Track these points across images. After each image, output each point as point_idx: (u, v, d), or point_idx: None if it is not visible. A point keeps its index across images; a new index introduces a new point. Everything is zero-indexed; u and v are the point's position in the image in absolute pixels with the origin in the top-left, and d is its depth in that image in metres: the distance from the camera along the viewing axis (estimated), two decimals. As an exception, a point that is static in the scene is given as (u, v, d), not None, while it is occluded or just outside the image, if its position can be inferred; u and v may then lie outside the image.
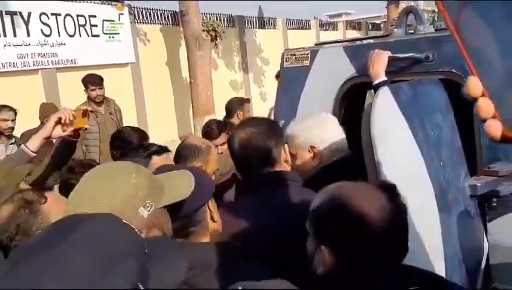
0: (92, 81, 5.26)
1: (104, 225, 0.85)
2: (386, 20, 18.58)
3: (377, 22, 23.84)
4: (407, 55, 2.17)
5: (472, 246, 1.91)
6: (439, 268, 1.61)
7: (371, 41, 2.40)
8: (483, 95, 0.54)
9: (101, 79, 5.34)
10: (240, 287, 1.00)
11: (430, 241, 1.58)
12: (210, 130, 3.26)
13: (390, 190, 1.17)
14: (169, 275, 0.86)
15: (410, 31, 2.38)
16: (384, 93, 1.50)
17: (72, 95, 7.55)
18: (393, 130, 1.50)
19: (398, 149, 1.52)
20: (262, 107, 11.56)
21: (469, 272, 1.85)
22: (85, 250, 0.78)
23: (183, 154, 2.33)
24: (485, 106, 0.53)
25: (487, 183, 1.94)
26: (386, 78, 2.11)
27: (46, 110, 4.98)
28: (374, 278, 1.12)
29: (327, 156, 1.92)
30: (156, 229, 1.15)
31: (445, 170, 1.76)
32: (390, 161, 1.48)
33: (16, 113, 4.73)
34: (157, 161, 2.02)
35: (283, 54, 2.80)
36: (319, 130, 1.94)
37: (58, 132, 2.21)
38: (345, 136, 1.99)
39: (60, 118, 2.18)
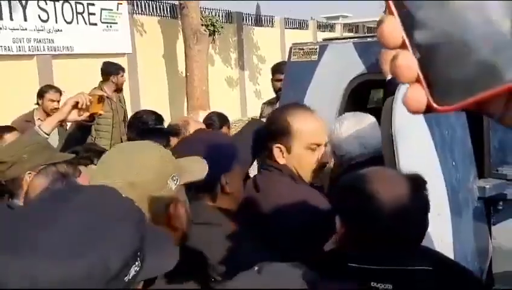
0: (121, 68, 5.47)
1: (101, 194, 0.83)
2: (383, 24, 18.61)
3: (374, 26, 23.92)
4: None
5: (478, 248, 1.90)
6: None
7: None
8: (403, 47, 0.39)
9: None
10: (256, 268, 1.00)
11: (442, 240, 1.57)
12: (211, 123, 3.23)
13: (412, 179, 1.17)
14: (162, 264, 0.85)
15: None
16: (406, 87, 1.48)
17: (67, 83, 7.46)
18: (412, 126, 1.48)
19: (416, 146, 1.51)
20: (257, 104, 11.53)
21: (474, 272, 1.84)
22: (79, 216, 0.75)
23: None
24: (406, 63, 0.38)
25: (495, 186, 1.94)
26: None
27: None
28: (377, 256, 1.12)
29: (345, 161, 1.93)
30: (180, 205, 1.15)
31: (457, 171, 1.75)
32: (409, 157, 1.46)
33: (61, 94, 4.74)
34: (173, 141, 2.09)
35: (291, 48, 2.78)
36: (339, 136, 1.95)
37: (74, 116, 2.20)
38: (372, 139, 1.96)
39: (77, 103, 2.17)
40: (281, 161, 1.60)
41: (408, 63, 0.38)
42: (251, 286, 0.90)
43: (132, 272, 0.75)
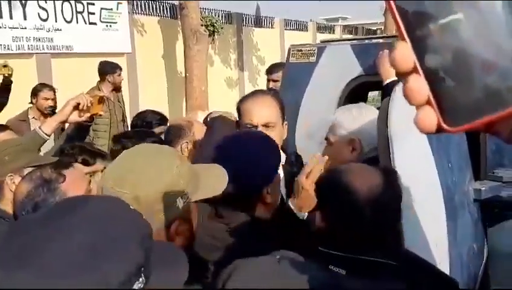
0: (118, 67, 5.44)
1: (109, 207, 0.82)
2: (382, 27, 18.65)
3: (373, 28, 23.95)
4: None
5: (474, 249, 1.91)
6: (444, 268, 1.60)
7: (380, 40, 2.40)
8: (415, 71, 0.41)
9: None
10: (277, 256, 1.03)
11: (437, 241, 1.58)
12: None
13: (388, 174, 1.22)
14: (170, 280, 0.83)
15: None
16: (402, 90, 1.48)
17: (66, 82, 7.47)
18: (409, 128, 1.48)
19: (412, 148, 1.51)
20: (256, 105, 11.49)
21: (469, 274, 1.85)
22: (85, 229, 0.75)
23: (169, 138, 2.34)
24: (417, 88, 0.40)
25: (491, 188, 1.95)
26: (396, 78, 2.09)
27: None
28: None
29: (366, 152, 1.88)
30: (185, 223, 1.12)
31: (453, 173, 1.75)
32: (405, 158, 1.47)
33: (55, 92, 4.75)
34: None
35: (289, 49, 2.79)
36: (363, 124, 1.83)
37: (75, 116, 2.21)
38: None
39: (78, 104, 2.17)
40: None
41: (419, 87, 0.40)
42: (270, 272, 0.94)
43: (135, 288, 0.74)
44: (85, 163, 1.98)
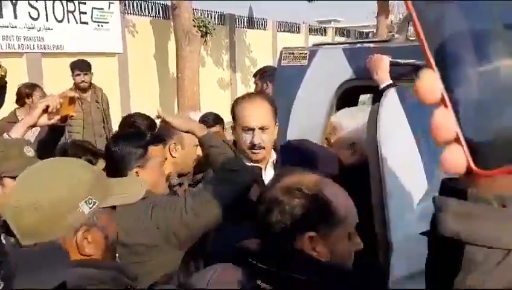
0: (78, 66, 5.19)
1: None
2: (374, 30, 18.73)
3: (366, 30, 24.06)
4: (408, 61, 2.17)
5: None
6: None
7: (371, 45, 2.41)
8: (442, 103, 0.35)
9: (88, 65, 5.28)
10: None
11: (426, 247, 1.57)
12: (206, 120, 3.26)
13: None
14: None
15: (412, 38, 2.39)
16: (391, 94, 1.49)
17: (56, 81, 7.40)
18: (397, 133, 1.49)
19: (401, 153, 1.51)
20: (248, 107, 11.47)
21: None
22: None
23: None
24: (444, 122, 0.35)
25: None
26: (391, 82, 2.10)
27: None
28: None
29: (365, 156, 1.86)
30: (96, 230, 1.11)
31: (441, 177, 1.75)
32: (394, 164, 1.47)
33: (45, 94, 4.68)
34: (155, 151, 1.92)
35: (281, 52, 2.79)
36: (366, 128, 1.83)
37: (44, 120, 2.07)
38: None
39: (48, 106, 2.05)
40: (231, 138, 1.96)
41: (447, 122, 0.35)
42: None
43: None
44: (89, 163, 1.94)
